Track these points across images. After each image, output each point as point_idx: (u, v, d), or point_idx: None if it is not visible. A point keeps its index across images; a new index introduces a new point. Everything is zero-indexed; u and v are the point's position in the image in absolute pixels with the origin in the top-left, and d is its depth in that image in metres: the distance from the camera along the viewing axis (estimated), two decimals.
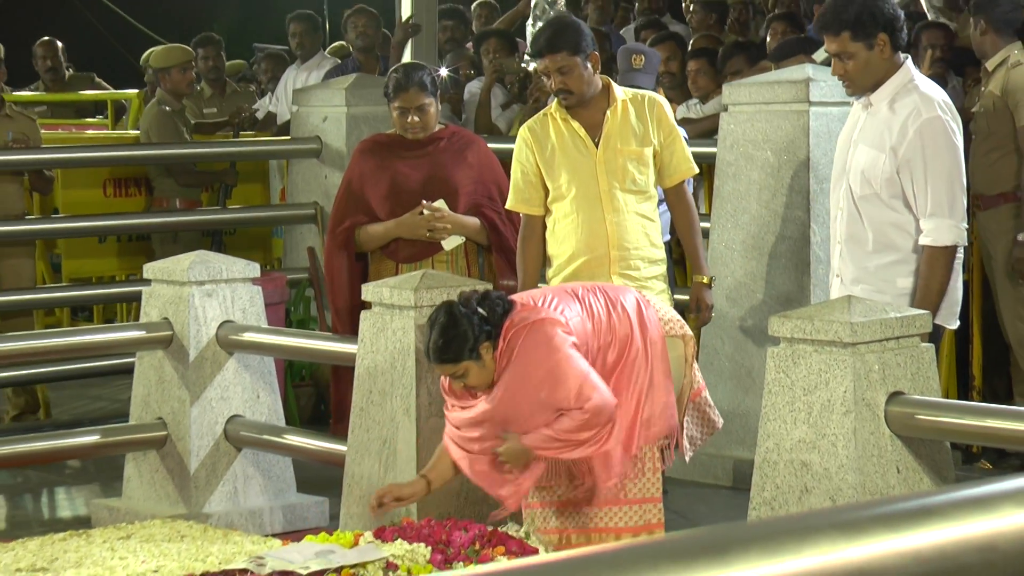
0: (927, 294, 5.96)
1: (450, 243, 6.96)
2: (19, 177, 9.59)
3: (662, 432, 5.65)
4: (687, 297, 6.96)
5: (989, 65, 7.84)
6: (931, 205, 5.93)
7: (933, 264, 5.96)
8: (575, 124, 6.51)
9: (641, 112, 6.53)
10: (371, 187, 7.02)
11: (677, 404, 5.78)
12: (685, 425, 5.82)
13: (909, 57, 6.14)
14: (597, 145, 6.49)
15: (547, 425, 5.44)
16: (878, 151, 5.99)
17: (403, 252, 6.97)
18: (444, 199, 6.95)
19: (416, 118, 6.96)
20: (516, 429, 5.49)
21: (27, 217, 9.76)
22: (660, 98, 6.69)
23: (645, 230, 6.52)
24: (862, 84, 6.06)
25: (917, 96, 5.99)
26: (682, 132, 6.75)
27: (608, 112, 6.50)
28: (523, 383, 5.44)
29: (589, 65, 6.45)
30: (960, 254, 6.11)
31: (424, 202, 6.91)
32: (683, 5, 12.38)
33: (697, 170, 6.76)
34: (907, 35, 6.21)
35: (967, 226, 6.05)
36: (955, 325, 6.21)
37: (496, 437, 5.51)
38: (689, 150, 6.68)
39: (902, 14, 6.17)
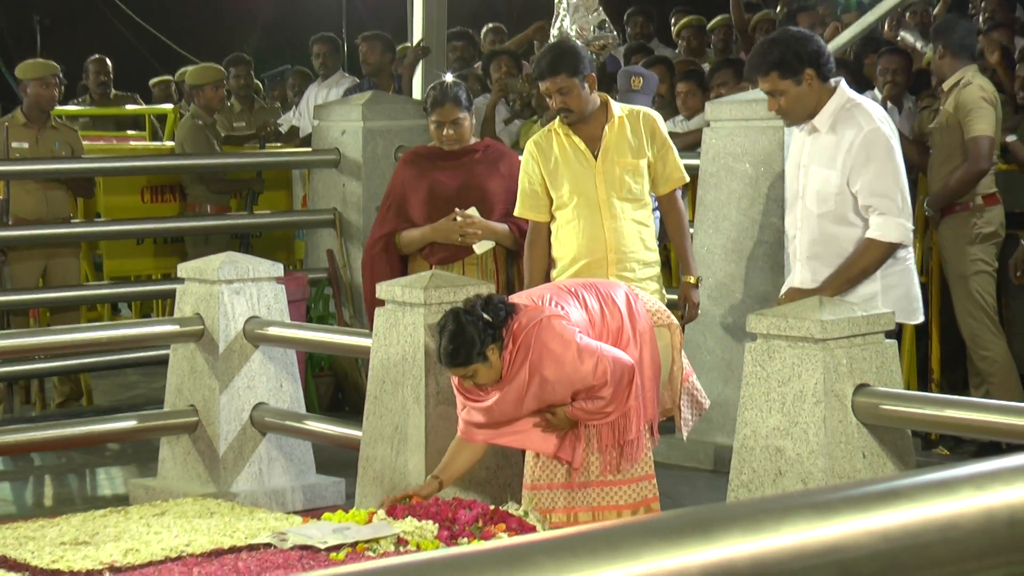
0: (844, 275, 5.92)
1: (481, 247, 6.94)
2: (65, 184, 9.60)
3: (654, 414, 5.68)
4: (676, 297, 6.95)
5: (945, 86, 7.83)
6: (881, 206, 5.92)
7: (867, 253, 5.93)
8: (576, 139, 6.52)
9: (636, 127, 6.54)
10: (411, 194, 7.03)
11: (671, 387, 5.82)
12: (681, 407, 5.85)
13: (842, 79, 6.12)
14: (596, 158, 6.50)
15: (585, 400, 5.51)
16: (829, 169, 5.97)
17: (437, 255, 6.95)
18: (477, 206, 6.94)
19: (451, 131, 6.95)
20: (540, 407, 5.55)
21: (72, 221, 9.76)
22: (654, 113, 6.70)
23: (640, 235, 6.52)
24: (797, 117, 6.05)
25: (857, 113, 5.99)
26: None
27: (606, 127, 6.50)
28: (546, 375, 5.46)
29: (587, 85, 6.46)
30: (911, 256, 6.08)
31: (457, 209, 6.90)
32: (672, 31, 12.43)
33: (688, 179, 6.77)
34: (834, 64, 6.17)
35: (913, 227, 6.03)
36: (918, 320, 6.19)
37: (535, 415, 5.58)
38: (681, 161, 6.68)
39: (826, 47, 6.14)
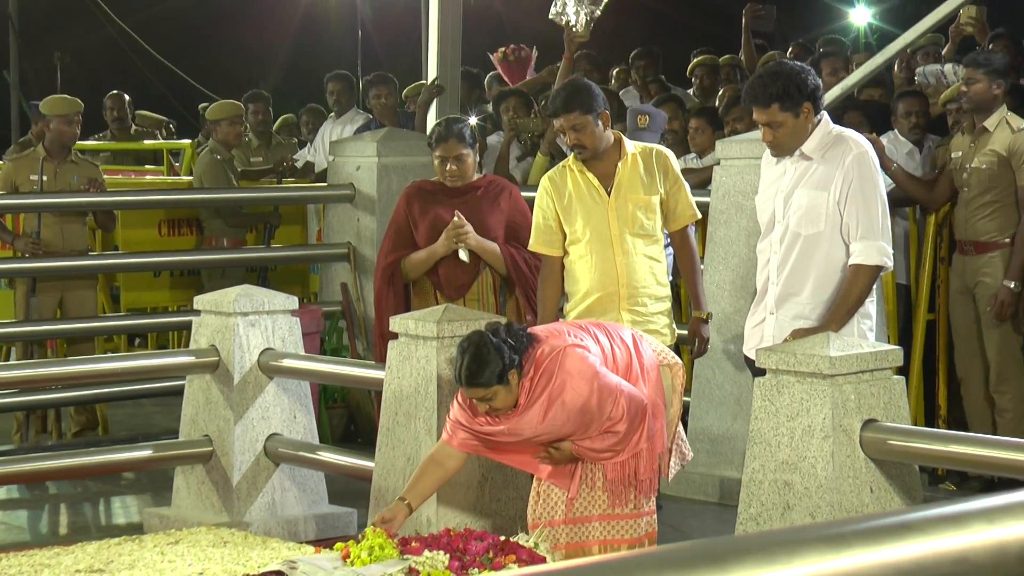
0: (843, 307, 5.95)
1: (464, 254, 7.00)
2: (83, 217, 9.61)
3: (663, 447, 5.64)
4: (686, 332, 6.93)
5: (989, 124, 7.74)
6: (862, 229, 5.95)
7: (856, 280, 5.96)
8: (590, 175, 6.53)
9: (649, 164, 6.55)
10: (414, 229, 7.06)
11: (668, 427, 5.76)
12: (672, 450, 5.77)
13: (825, 112, 6.15)
14: (609, 194, 6.50)
15: (595, 438, 5.44)
16: (821, 191, 6.00)
17: (445, 291, 7.00)
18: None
19: (454, 167, 6.98)
20: (549, 438, 5.47)
21: (90, 253, 9.77)
22: (666, 151, 6.71)
23: (652, 270, 6.52)
24: (789, 148, 6.07)
25: (847, 137, 6.05)
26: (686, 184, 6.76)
27: (619, 164, 6.51)
28: (567, 402, 5.41)
29: (600, 123, 6.46)
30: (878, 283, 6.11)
31: (457, 211, 6.95)
32: (688, 70, 12.47)
33: (700, 215, 6.77)
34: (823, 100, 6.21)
35: (892, 251, 6.05)
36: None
37: (536, 445, 5.51)
38: (692, 198, 6.68)
39: (820, 83, 6.18)
